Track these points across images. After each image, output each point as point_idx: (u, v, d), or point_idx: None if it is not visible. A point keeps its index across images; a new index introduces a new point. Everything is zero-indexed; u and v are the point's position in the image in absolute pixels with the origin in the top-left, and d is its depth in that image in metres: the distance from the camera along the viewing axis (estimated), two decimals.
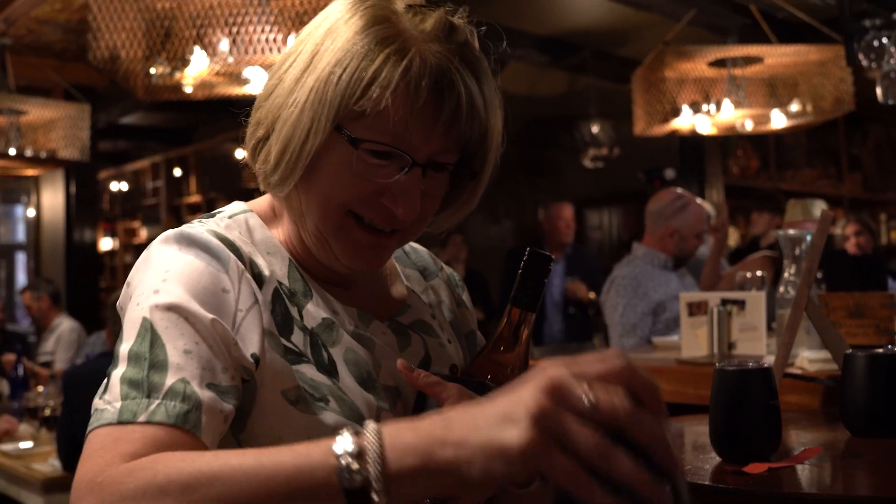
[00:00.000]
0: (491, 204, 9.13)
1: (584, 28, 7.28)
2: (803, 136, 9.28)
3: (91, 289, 8.63)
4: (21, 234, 10.69)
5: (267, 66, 4.10)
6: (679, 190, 4.31)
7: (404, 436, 0.78)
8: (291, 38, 3.96)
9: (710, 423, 1.42)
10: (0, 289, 10.19)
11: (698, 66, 5.40)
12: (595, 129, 7.88)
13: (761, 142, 8.99)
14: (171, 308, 1.00)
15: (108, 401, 0.95)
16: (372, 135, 1.05)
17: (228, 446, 1.00)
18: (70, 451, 3.46)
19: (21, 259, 10.72)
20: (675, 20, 6.05)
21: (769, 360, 1.74)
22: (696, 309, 2.74)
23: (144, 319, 0.99)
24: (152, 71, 4.21)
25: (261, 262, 1.11)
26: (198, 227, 1.10)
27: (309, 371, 1.07)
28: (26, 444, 4.12)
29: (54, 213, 8.75)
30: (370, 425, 0.80)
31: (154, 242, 1.09)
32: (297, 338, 1.09)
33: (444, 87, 1.05)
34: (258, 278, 1.10)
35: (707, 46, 5.43)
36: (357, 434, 0.79)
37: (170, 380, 0.95)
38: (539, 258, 1.16)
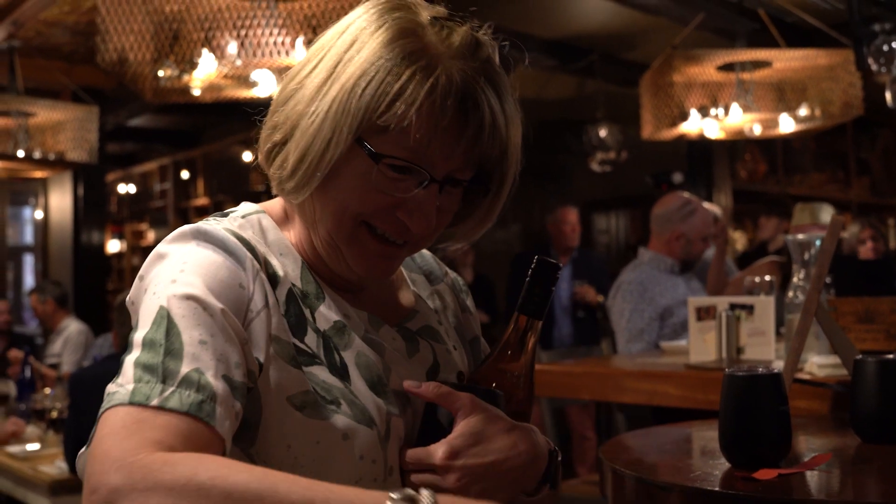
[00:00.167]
0: (503, 209, 9.11)
1: (592, 32, 7.27)
2: (811, 140, 9.26)
3: (98, 291, 8.64)
4: (29, 236, 10.72)
5: (275, 69, 4.11)
6: (685, 194, 4.30)
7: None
8: (300, 41, 3.96)
9: (720, 428, 1.42)
10: (8, 290, 10.21)
11: (706, 70, 5.39)
12: (603, 132, 7.87)
13: (769, 146, 8.97)
14: (189, 298, 0.99)
15: (121, 384, 0.94)
16: (393, 150, 1.04)
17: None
18: (77, 453, 3.46)
19: (29, 261, 10.75)
20: (684, 24, 6.04)
21: (778, 365, 1.74)
22: (704, 313, 2.73)
23: (161, 308, 0.98)
24: (160, 73, 4.21)
25: (275, 263, 1.11)
26: (214, 224, 1.10)
27: (321, 373, 1.07)
28: (33, 446, 4.12)
29: (62, 215, 8.76)
30: (425, 491, 0.82)
31: (169, 237, 1.08)
32: (311, 339, 1.09)
33: (469, 108, 1.05)
34: (272, 278, 1.09)
35: (715, 50, 5.42)
36: (412, 499, 0.81)
37: (185, 368, 0.94)
38: (547, 266, 1.16)
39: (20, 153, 6.00)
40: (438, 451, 1.05)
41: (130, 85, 4.42)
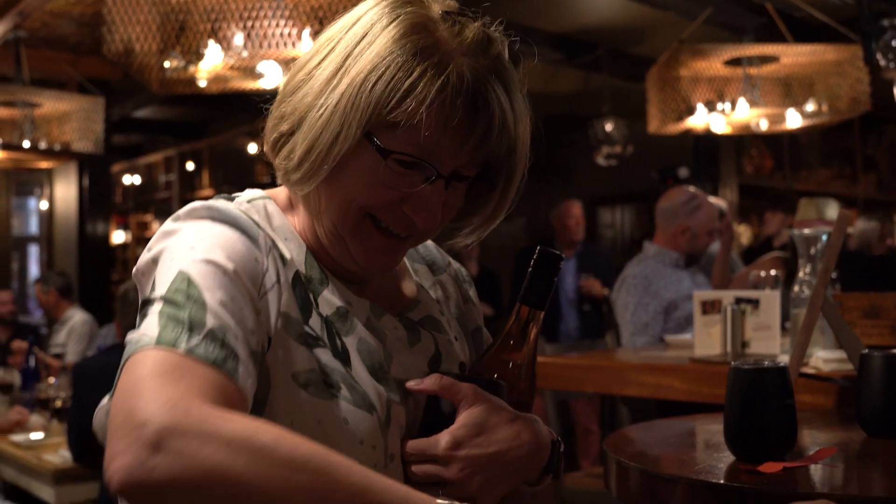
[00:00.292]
0: (512, 205, 9.12)
1: (598, 26, 7.26)
2: (818, 136, 9.23)
3: (103, 281, 8.65)
4: (34, 227, 10.74)
5: (282, 61, 4.10)
6: (691, 188, 4.30)
7: None
8: (306, 32, 3.96)
9: (725, 421, 1.41)
10: (13, 281, 10.23)
11: (713, 64, 5.38)
12: (609, 127, 7.86)
13: (776, 141, 8.95)
14: (209, 262, 0.98)
15: (143, 332, 0.91)
16: (401, 146, 1.04)
17: None
18: (80, 444, 3.47)
19: (34, 251, 10.76)
20: (691, 19, 6.02)
21: (783, 360, 1.73)
22: (709, 307, 2.73)
23: (181, 272, 0.97)
24: (166, 64, 4.22)
25: (281, 246, 1.11)
26: (224, 203, 1.09)
27: (325, 356, 1.06)
28: (37, 435, 4.13)
29: (67, 205, 8.77)
30: None
31: (180, 213, 1.07)
32: (315, 322, 1.08)
33: (479, 106, 1.04)
34: (281, 259, 1.10)
35: (722, 45, 5.41)
36: None
37: (210, 323, 0.92)
38: (549, 257, 1.15)
39: (26, 144, 6.01)
40: (441, 441, 1.05)
41: (136, 76, 4.42)
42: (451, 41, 1.05)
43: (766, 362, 1.41)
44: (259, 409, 1.01)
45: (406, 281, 1.27)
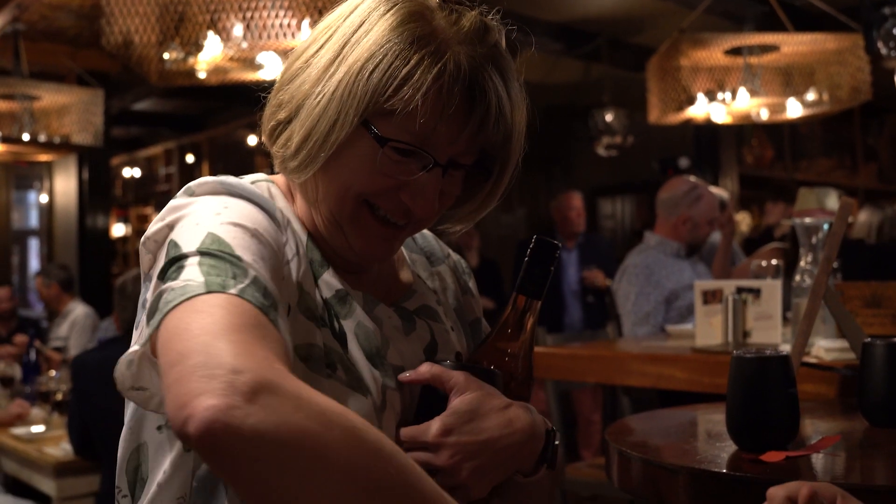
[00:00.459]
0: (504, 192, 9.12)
1: (598, 16, 7.24)
2: (819, 125, 9.22)
3: (103, 274, 8.64)
4: (34, 220, 10.73)
5: (281, 52, 4.09)
6: (692, 178, 4.29)
7: None
8: (305, 23, 3.94)
9: (728, 410, 1.41)
10: (13, 274, 10.23)
11: (714, 54, 5.36)
12: (609, 117, 7.85)
13: (776, 131, 8.94)
14: (237, 225, 0.96)
15: (187, 280, 0.88)
16: (398, 134, 1.04)
17: None
18: (81, 436, 3.47)
19: (34, 245, 10.76)
20: (691, 8, 6.00)
21: (785, 349, 1.73)
22: (710, 297, 2.73)
23: (209, 233, 0.94)
24: (166, 56, 4.20)
25: (293, 222, 1.12)
26: (235, 179, 1.08)
27: (324, 335, 1.07)
28: (38, 428, 4.13)
29: (67, 198, 8.77)
30: None
31: (194, 186, 1.04)
32: (317, 302, 1.09)
33: (476, 94, 1.05)
34: (293, 235, 1.10)
35: (723, 34, 5.39)
36: None
37: (251, 273, 0.90)
38: (546, 246, 1.15)
39: (25, 137, 5.99)
40: (431, 427, 1.05)
41: (136, 68, 4.41)
42: (448, 29, 1.05)
43: (769, 351, 1.40)
44: None
45: (403, 271, 1.27)
